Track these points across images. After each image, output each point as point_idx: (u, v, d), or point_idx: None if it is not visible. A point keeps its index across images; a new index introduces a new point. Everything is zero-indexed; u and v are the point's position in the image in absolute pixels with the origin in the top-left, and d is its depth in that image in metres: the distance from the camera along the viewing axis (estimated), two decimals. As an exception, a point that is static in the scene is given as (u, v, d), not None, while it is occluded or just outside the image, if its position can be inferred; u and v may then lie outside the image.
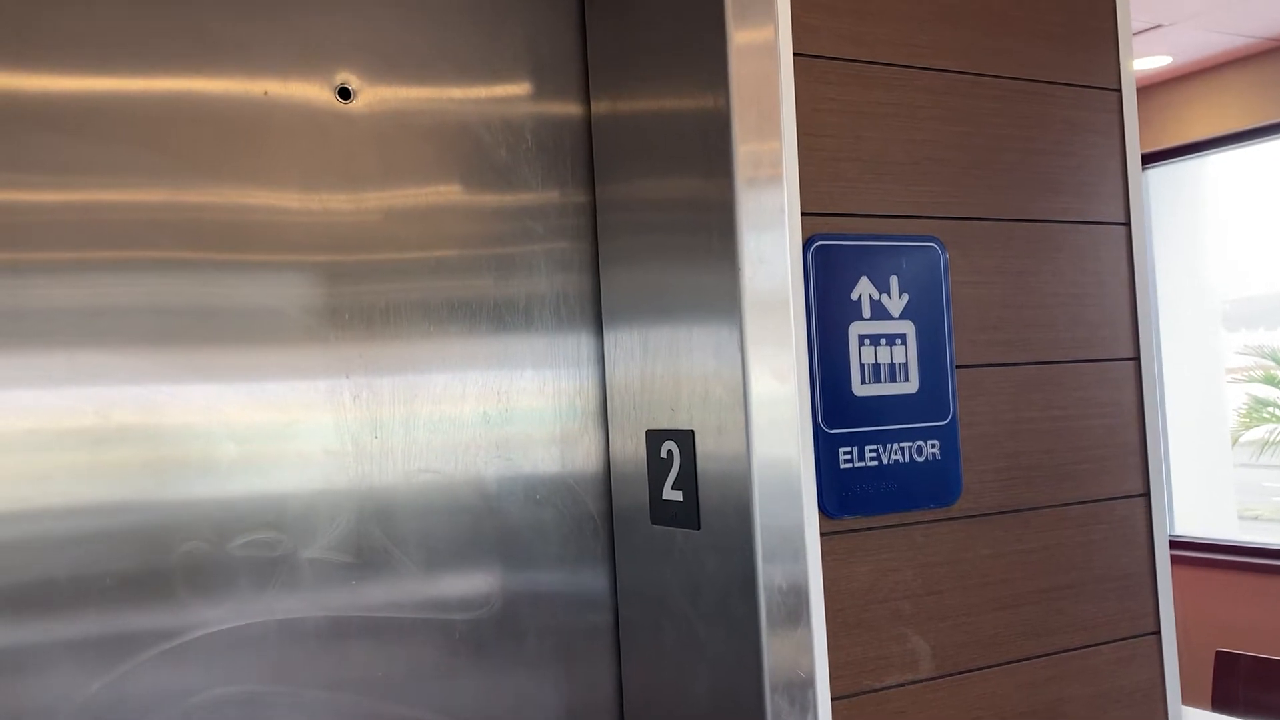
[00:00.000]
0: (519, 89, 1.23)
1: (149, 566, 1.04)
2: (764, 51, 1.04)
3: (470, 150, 1.20)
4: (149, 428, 1.06)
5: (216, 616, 1.06)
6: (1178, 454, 3.92)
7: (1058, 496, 1.18)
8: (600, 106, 1.22)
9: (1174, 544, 1.65)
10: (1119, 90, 1.26)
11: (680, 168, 1.10)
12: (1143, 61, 3.91)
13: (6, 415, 1.01)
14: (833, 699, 1.03)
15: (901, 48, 1.13)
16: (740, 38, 1.04)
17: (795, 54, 1.06)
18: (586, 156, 1.24)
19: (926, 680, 1.08)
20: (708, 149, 1.05)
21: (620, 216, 1.20)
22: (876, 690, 1.06)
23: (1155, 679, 1.22)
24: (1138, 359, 1.24)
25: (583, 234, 1.25)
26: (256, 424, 1.09)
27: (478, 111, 1.21)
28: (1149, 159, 4.21)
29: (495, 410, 1.20)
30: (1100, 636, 1.19)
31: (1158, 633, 1.23)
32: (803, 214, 1.05)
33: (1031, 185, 1.20)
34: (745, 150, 1.03)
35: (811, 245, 1.05)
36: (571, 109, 1.25)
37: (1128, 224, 1.25)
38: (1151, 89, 4.13)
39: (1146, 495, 1.24)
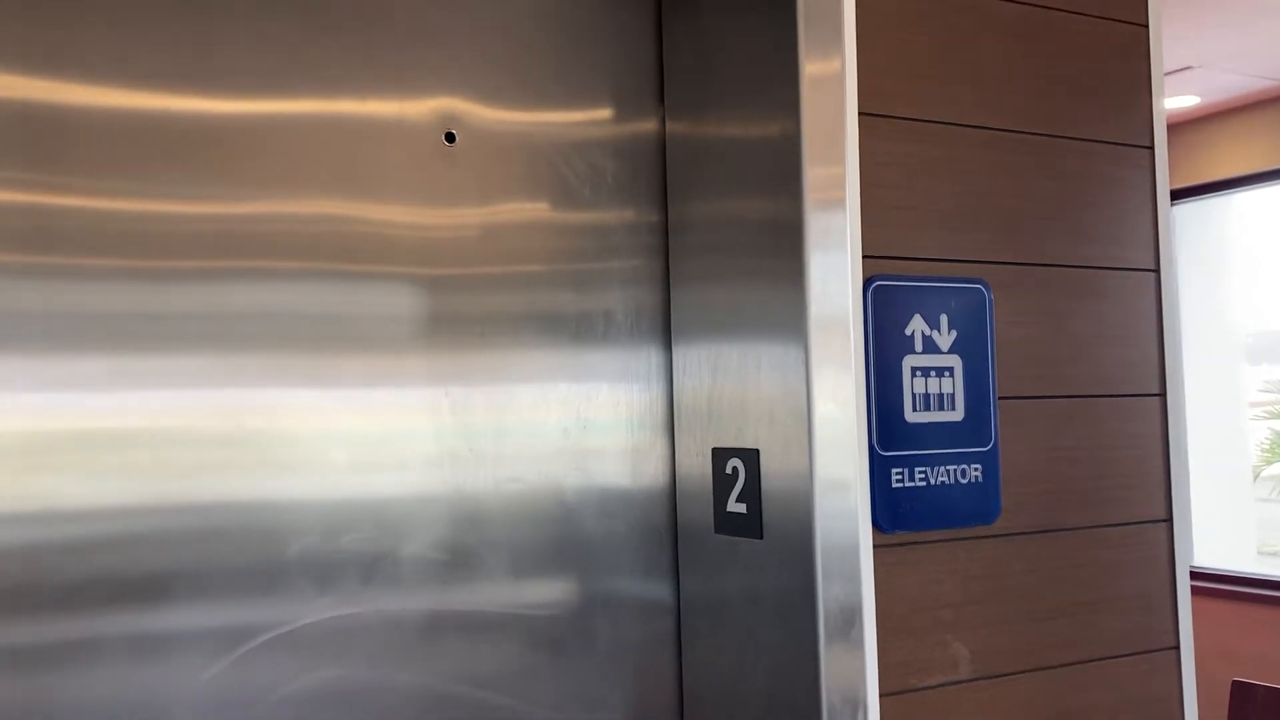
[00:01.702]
0: (601, 114, 1.34)
1: (268, 561, 1.16)
2: (832, 81, 1.15)
3: (555, 171, 1.31)
4: (272, 431, 1.17)
5: (323, 606, 1.18)
6: (1198, 487, 4.00)
7: (1087, 519, 1.29)
8: (674, 129, 1.33)
9: (1193, 574, 1.74)
10: (1151, 148, 1.36)
11: (750, 189, 1.21)
12: (1172, 101, 4.01)
13: (153, 415, 1.13)
14: (881, 696, 1.14)
15: (952, 107, 1.24)
16: (811, 67, 1.15)
17: (860, 112, 1.17)
18: (660, 177, 1.35)
19: (966, 682, 1.19)
20: (777, 171, 1.16)
21: (691, 236, 1.31)
22: (921, 690, 1.16)
23: (1174, 690, 1.32)
24: (1164, 395, 1.34)
25: (655, 252, 1.35)
26: (366, 430, 1.21)
27: (562, 135, 1.32)
28: (1177, 195, 4.32)
29: (574, 422, 1.32)
30: (1123, 649, 1.29)
31: (1177, 648, 1.33)
32: (864, 256, 1.16)
33: (1069, 234, 1.31)
34: (813, 174, 1.14)
35: (871, 285, 1.16)
36: (648, 132, 1.35)
37: (1157, 270, 1.36)
38: (1180, 127, 4.24)
39: (1169, 521, 1.34)
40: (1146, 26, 1.37)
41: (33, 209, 1.09)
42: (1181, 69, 3.73)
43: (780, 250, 1.15)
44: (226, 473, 1.15)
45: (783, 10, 1.16)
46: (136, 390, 1.12)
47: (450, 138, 1.26)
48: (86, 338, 1.11)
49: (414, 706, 1.20)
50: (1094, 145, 1.33)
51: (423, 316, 1.25)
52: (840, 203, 1.14)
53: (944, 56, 1.24)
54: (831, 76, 1.15)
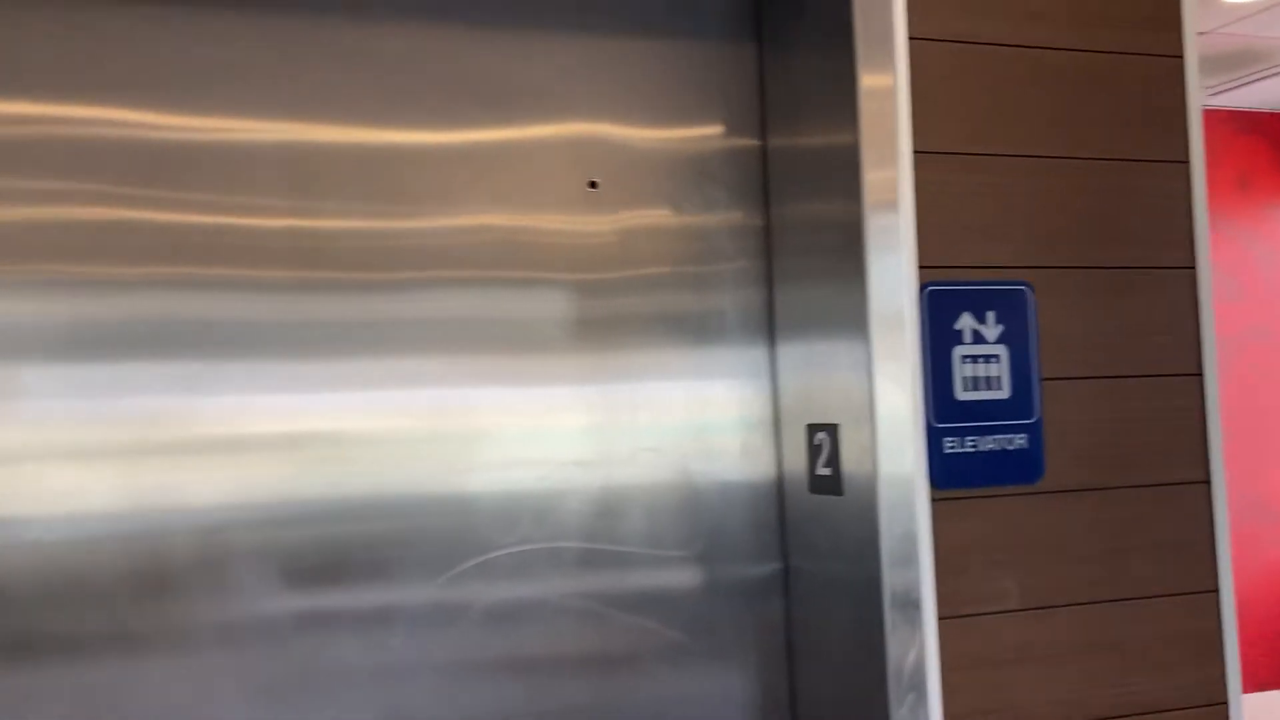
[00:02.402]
0: (713, 130, 1.63)
1: (466, 510, 1.52)
2: (885, 95, 1.42)
3: (676, 180, 1.58)
4: (455, 429, 1.52)
5: (507, 543, 1.53)
6: None
7: (1129, 479, 1.53)
8: (773, 142, 1.62)
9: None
10: (1188, 162, 1.59)
11: (824, 194, 1.50)
12: None
13: (368, 415, 1.50)
14: (939, 619, 1.42)
15: (999, 140, 1.50)
16: (868, 81, 1.43)
17: (915, 151, 1.46)
18: (762, 184, 1.62)
19: (1014, 611, 1.46)
20: (843, 177, 1.45)
21: (787, 239, 1.58)
22: (973, 615, 1.44)
23: (1213, 627, 1.55)
24: (1200, 375, 1.57)
25: (760, 254, 1.61)
26: (529, 424, 1.55)
27: (682, 149, 1.60)
28: None
29: (698, 416, 1.61)
30: (1161, 590, 1.53)
31: (1216, 590, 1.55)
32: (919, 266, 1.45)
33: (1109, 239, 1.55)
34: (870, 178, 1.43)
35: (925, 289, 1.45)
36: (752, 145, 1.62)
37: (1194, 268, 1.58)
38: None
39: (1208, 482, 1.56)
40: (1182, 58, 1.59)
41: (297, 231, 1.42)
42: None
43: (847, 250, 1.45)
44: (427, 460, 1.48)
45: (847, 52, 1.45)
46: (380, 390, 1.44)
47: (587, 140, 1.55)
48: (339, 343, 1.43)
49: (572, 616, 1.54)
50: (1133, 164, 1.57)
51: (572, 318, 1.54)
52: (893, 205, 1.42)
53: (991, 100, 1.50)
54: (886, 91, 1.43)
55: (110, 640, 1.35)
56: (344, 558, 1.44)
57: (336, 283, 1.45)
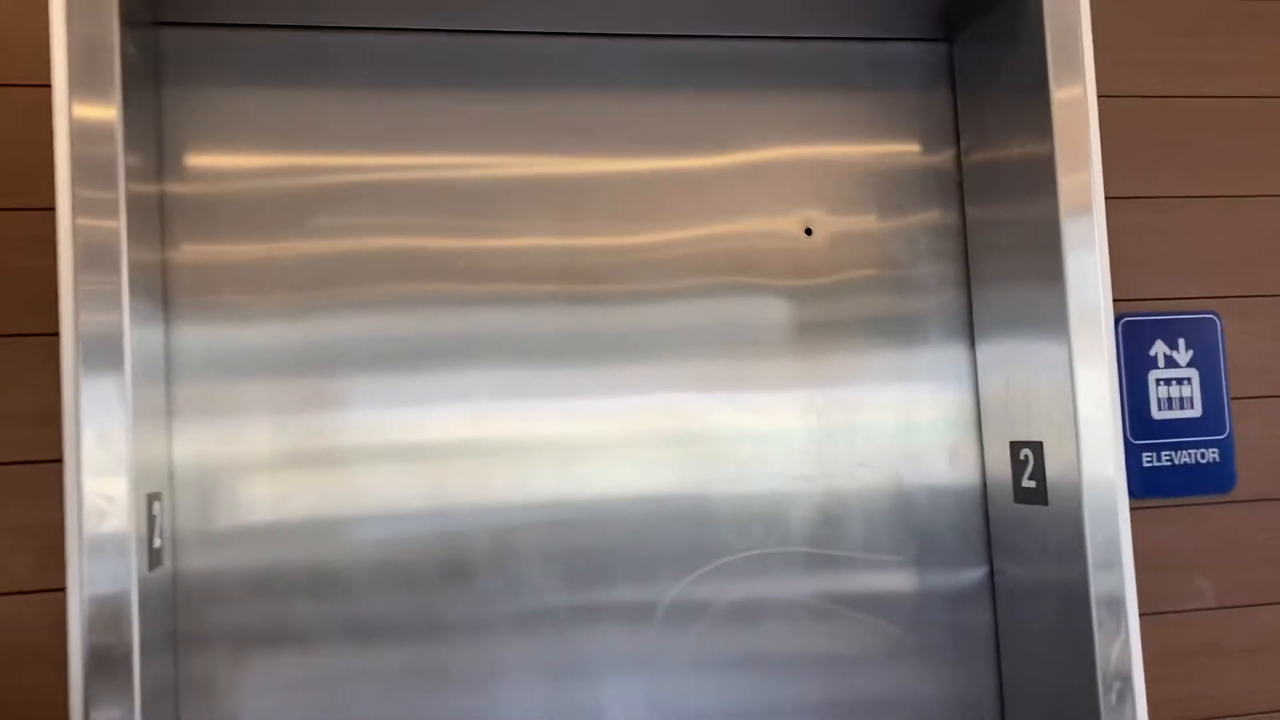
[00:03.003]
0: (913, 147, 1.76)
1: (706, 517, 1.74)
2: (1078, 104, 1.55)
3: (879, 190, 1.71)
4: (693, 430, 1.76)
5: (741, 547, 1.76)
6: None
7: (1316, 490, 1.66)
8: (968, 152, 1.76)
9: None
10: (1369, 192, 1.72)
11: (1022, 196, 1.67)
12: None
13: (625, 421, 1.74)
14: (1140, 615, 1.58)
15: (1182, 184, 1.66)
16: (1060, 94, 1.60)
17: (1106, 197, 1.63)
18: (958, 191, 1.75)
19: (1209, 609, 1.61)
20: (1039, 181, 1.60)
21: (984, 240, 1.70)
22: (1171, 612, 1.60)
23: (1402, 626, 1.67)
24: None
25: (957, 257, 1.74)
26: (759, 429, 1.77)
27: (884, 163, 1.73)
28: None
29: (905, 419, 1.75)
30: (1351, 590, 1.65)
31: (1401, 592, 1.67)
32: (1115, 300, 1.62)
33: (1292, 269, 1.69)
34: (1065, 182, 1.59)
35: (1120, 321, 1.62)
36: (947, 157, 1.75)
37: (1372, 292, 1.71)
38: None
39: (1389, 491, 1.69)
40: (1352, 99, 1.72)
41: (562, 250, 1.65)
42: None
43: (1044, 250, 1.61)
44: (672, 464, 1.75)
45: (1043, 96, 1.63)
46: (636, 396, 1.62)
47: (800, 183, 1.81)
48: (589, 351, 1.63)
49: (798, 610, 1.75)
50: (1313, 198, 1.71)
51: (792, 323, 1.68)
52: (1085, 184, 1.56)
53: (1172, 146, 1.67)
54: (1078, 101, 1.59)
55: (425, 626, 1.62)
56: (609, 555, 1.68)
57: (594, 295, 1.66)
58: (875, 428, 1.76)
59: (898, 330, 1.72)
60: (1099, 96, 1.62)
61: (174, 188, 1.57)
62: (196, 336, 1.56)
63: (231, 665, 1.55)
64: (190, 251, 1.57)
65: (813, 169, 1.75)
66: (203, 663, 1.54)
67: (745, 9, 1.67)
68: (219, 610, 1.55)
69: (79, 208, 1.27)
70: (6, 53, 1.25)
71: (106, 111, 1.29)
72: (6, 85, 1.23)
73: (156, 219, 1.54)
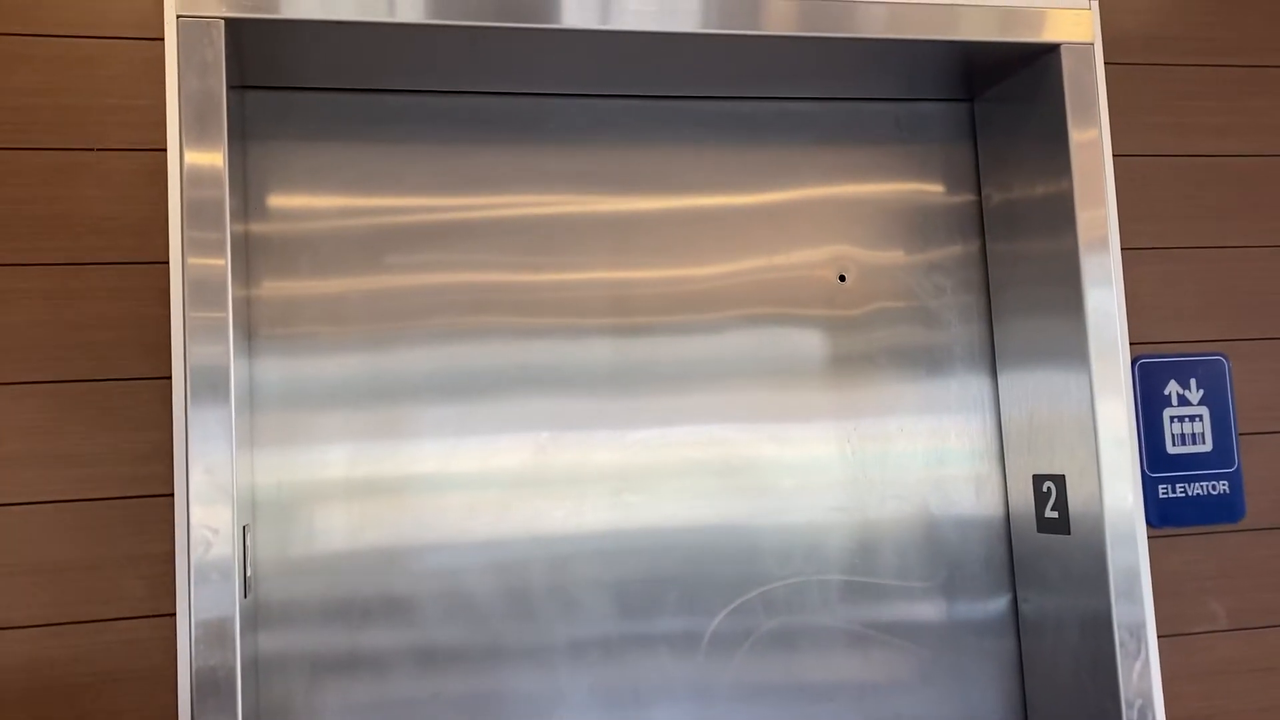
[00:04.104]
0: (937, 188, 1.93)
1: (751, 547, 1.85)
2: (1095, 146, 1.69)
3: (905, 227, 1.88)
4: (737, 464, 1.87)
5: (780, 576, 1.86)
6: None
7: (1320, 519, 1.78)
8: (989, 196, 1.92)
9: None
10: (1361, 244, 1.85)
11: (1042, 232, 1.79)
12: None
13: (662, 450, 1.85)
14: (1159, 637, 1.69)
15: (1191, 237, 1.79)
16: (1078, 137, 1.73)
17: (1123, 248, 1.76)
18: (979, 229, 1.92)
19: (1223, 631, 1.72)
20: (1058, 217, 1.73)
21: (1005, 274, 1.85)
22: (1188, 634, 1.71)
23: (1403, 647, 1.78)
24: None
25: (980, 288, 1.89)
26: (799, 460, 1.88)
27: (910, 202, 1.91)
28: None
29: (932, 449, 1.90)
30: (1354, 614, 1.77)
31: (1403, 615, 1.78)
32: (1130, 343, 1.74)
33: (1293, 314, 1.81)
34: (1083, 217, 1.72)
35: (1137, 362, 1.74)
36: (970, 198, 1.92)
37: (1369, 335, 1.83)
38: None
39: (1391, 520, 1.80)
40: (1351, 156, 1.86)
41: (614, 283, 1.79)
42: None
43: (1064, 283, 1.74)
44: (718, 495, 1.86)
45: (1061, 151, 1.76)
46: (688, 425, 1.77)
47: (834, 221, 1.93)
48: (639, 383, 1.77)
49: (835, 636, 1.86)
50: (1311, 247, 1.84)
51: (826, 355, 1.83)
52: (1102, 219, 1.70)
53: (1182, 201, 1.80)
54: (1094, 143, 1.73)
55: (486, 652, 1.72)
56: (659, 584, 1.79)
57: (644, 326, 1.80)
58: (905, 459, 1.88)
59: (923, 361, 1.85)
60: (1115, 155, 1.75)
61: (257, 228, 1.68)
62: (275, 369, 1.66)
63: (309, 690, 1.64)
64: (270, 288, 1.68)
65: (845, 209, 1.88)
66: (283, 687, 1.64)
67: (782, 75, 1.80)
68: (296, 635, 1.65)
69: (189, 247, 1.38)
70: (126, 122, 1.36)
71: (214, 158, 1.40)
72: (126, 150, 1.34)
73: (244, 258, 1.65)
